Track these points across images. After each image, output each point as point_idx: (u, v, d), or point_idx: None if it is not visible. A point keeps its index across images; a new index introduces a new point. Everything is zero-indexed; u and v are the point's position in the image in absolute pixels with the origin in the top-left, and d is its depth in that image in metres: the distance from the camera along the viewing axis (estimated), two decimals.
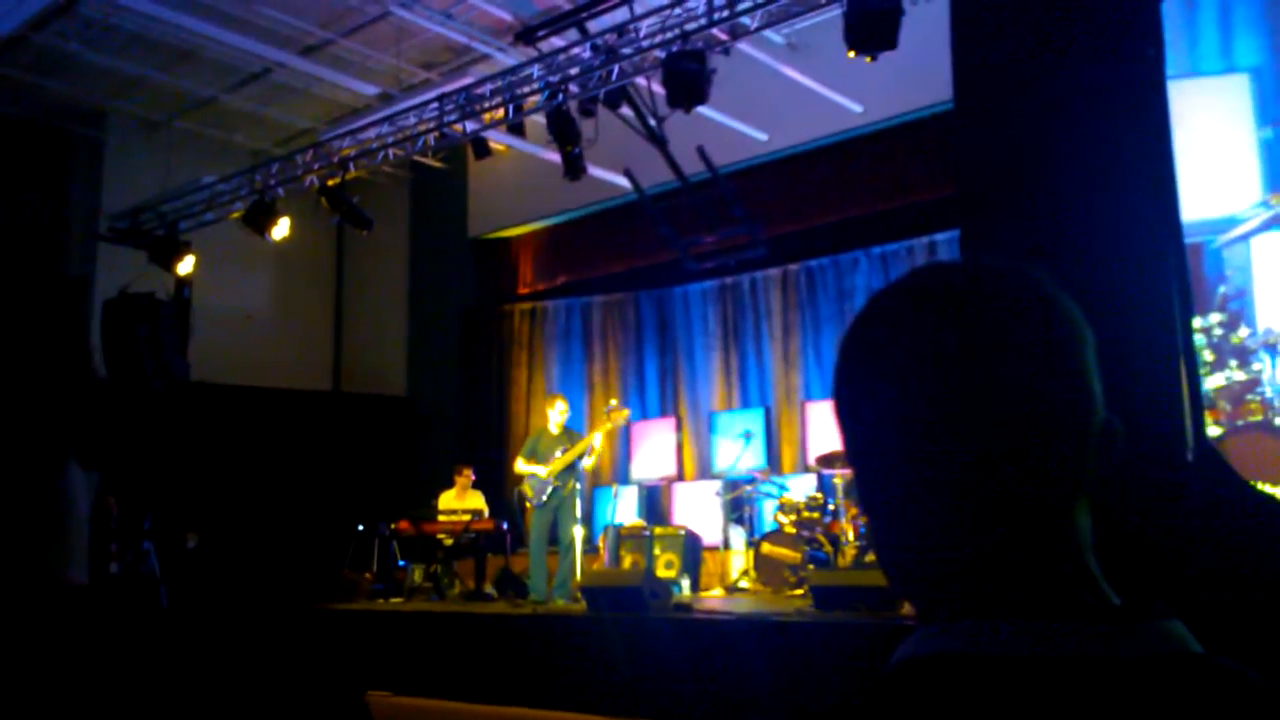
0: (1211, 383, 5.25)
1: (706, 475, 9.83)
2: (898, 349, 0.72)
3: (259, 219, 9.30)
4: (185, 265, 10.01)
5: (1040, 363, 0.71)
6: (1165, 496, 3.17)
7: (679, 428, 10.33)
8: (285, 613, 7.64)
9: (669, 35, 7.01)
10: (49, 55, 9.20)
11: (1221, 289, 5.63)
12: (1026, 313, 0.72)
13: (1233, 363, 5.37)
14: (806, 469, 9.00)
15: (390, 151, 8.96)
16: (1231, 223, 5.63)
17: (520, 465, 7.94)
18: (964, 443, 0.70)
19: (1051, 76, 3.70)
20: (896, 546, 0.75)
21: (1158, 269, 3.50)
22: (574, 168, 7.94)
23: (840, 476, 7.91)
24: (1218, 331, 5.45)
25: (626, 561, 8.48)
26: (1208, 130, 5.64)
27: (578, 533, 7.66)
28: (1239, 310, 5.51)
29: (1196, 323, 5.26)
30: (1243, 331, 5.48)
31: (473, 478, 9.13)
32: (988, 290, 0.73)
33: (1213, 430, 5.07)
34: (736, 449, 9.08)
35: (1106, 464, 0.72)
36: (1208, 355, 5.30)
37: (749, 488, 8.60)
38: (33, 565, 0.54)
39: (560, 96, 7.70)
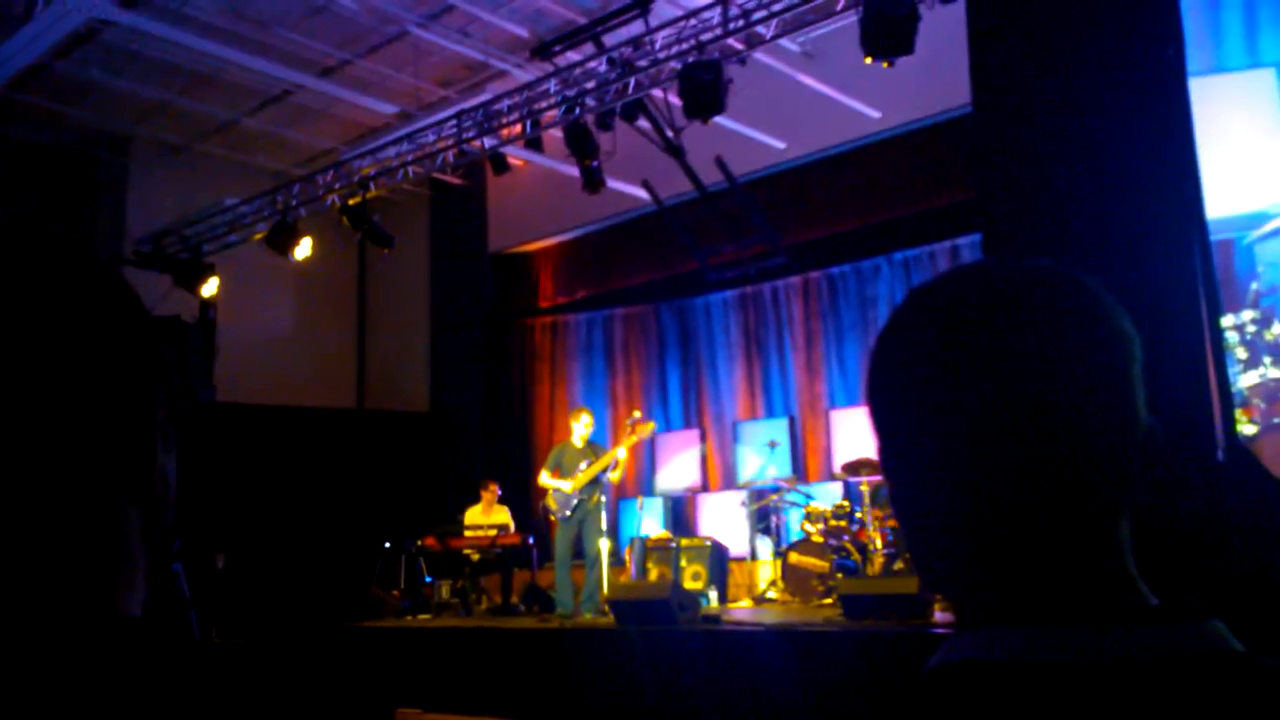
0: (1245, 380, 5.18)
1: (732, 486, 9.78)
2: (939, 352, 0.70)
3: (281, 240, 9.39)
4: (209, 287, 10.13)
5: (1089, 369, 0.69)
6: (1197, 496, 3.12)
7: (703, 439, 10.29)
8: (314, 631, 7.66)
9: (684, 46, 7.03)
10: (72, 82, 9.33)
11: (1254, 285, 5.55)
12: (1076, 317, 0.70)
13: (1267, 360, 5.28)
14: (833, 477, 8.94)
15: (410, 169, 9.03)
16: (1263, 218, 5.55)
17: (544, 479, 7.92)
18: (1008, 450, 0.68)
19: (1069, 78, 3.68)
20: (935, 553, 0.73)
21: (1182, 267, 3.46)
22: (592, 181, 7.97)
23: (867, 484, 7.85)
24: (1251, 329, 5.36)
25: (653, 574, 8.45)
26: (1235, 126, 5.57)
27: (603, 546, 7.64)
28: (1272, 307, 5.42)
29: (1229, 320, 5.19)
30: (1276, 328, 5.39)
31: (498, 492, 9.14)
32: (1037, 294, 0.71)
33: (1247, 429, 4.99)
34: (761, 459, 9.04)
35: (1150, 472, 0.70)
36: (1241, 353, 5.22)
37: (775, 497, 8.55)
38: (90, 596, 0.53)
39: (577, 110, 7.74)
